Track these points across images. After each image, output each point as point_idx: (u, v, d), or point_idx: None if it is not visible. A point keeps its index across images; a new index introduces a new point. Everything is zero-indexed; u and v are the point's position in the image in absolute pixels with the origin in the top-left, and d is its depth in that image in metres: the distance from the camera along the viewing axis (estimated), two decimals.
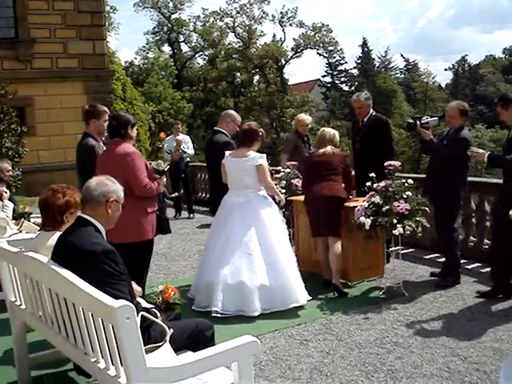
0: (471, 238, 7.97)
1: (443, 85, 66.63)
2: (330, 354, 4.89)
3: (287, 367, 4.68)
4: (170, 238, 9.57)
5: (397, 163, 6.31)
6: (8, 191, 7.37)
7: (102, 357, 3.13)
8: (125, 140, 5.36)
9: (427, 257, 7.97)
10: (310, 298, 6.16)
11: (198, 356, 3.11)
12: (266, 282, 5.90)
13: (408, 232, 8.21)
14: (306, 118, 9.23)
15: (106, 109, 6.33)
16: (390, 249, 6.59)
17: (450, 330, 5.30)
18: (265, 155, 6.28)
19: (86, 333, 3.20)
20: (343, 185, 6.69)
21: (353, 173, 7.05)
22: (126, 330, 2.78)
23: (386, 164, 6.29)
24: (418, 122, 6.63)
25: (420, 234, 8.39)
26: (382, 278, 6.94)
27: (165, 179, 5.64)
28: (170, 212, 12.86)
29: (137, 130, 5.67)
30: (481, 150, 6.19)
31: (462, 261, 6.94)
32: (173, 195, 11.39)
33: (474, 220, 7.92)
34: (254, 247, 6.02)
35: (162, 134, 7.61)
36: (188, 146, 12.79)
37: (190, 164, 13.24)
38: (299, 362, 4.76)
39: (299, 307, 5.98)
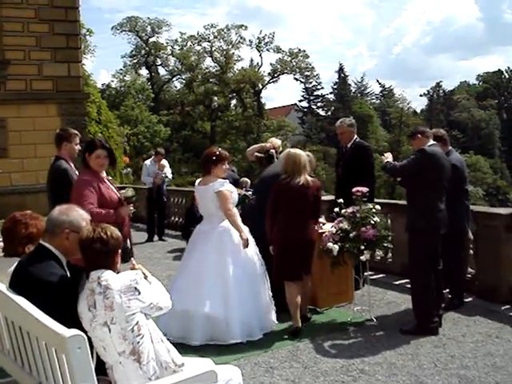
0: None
1: (418, 110, 67.80)
2: (295, 382, 4.83)
3: None
4: (139, 263, 9.43)
5: (364, 189, 6.26)
6: None
7: None
8: (87, 167, 5.36)
9: (397, 282, 7.95)
10: (261, 336, 5.87)
11: None
12: (211, 313, 5.69)
13: (378, 258, 8.30)
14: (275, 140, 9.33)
15: (77, 132, 6.36)
16: (360, 274, 6.58)
17: (417, 357, 5.28)
18: (227, 181, 6.14)
19: (40, 362, 3.13)
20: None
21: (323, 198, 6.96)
22: (78, 360, 2.72)
23: (353, 190, 6.26)
24: None
25: (390, 260, 8.42)
26: (350, 304, 6.89)
27: (131, 208, 5.41)
28: (143, 236, 12.78)
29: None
30: (388, 158, 6.24)
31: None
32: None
33: None
34: (206, 276, 5.83)
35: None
36: (168, 170, 12.89)
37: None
38: None
39: (269, 334, 5.91)
